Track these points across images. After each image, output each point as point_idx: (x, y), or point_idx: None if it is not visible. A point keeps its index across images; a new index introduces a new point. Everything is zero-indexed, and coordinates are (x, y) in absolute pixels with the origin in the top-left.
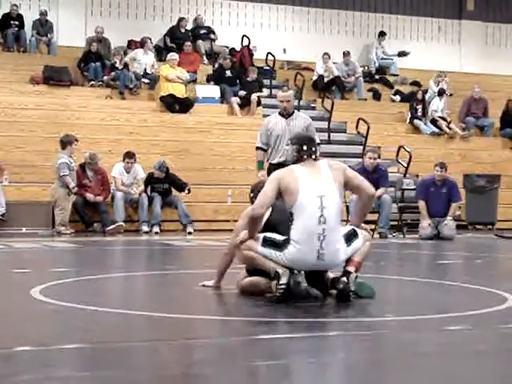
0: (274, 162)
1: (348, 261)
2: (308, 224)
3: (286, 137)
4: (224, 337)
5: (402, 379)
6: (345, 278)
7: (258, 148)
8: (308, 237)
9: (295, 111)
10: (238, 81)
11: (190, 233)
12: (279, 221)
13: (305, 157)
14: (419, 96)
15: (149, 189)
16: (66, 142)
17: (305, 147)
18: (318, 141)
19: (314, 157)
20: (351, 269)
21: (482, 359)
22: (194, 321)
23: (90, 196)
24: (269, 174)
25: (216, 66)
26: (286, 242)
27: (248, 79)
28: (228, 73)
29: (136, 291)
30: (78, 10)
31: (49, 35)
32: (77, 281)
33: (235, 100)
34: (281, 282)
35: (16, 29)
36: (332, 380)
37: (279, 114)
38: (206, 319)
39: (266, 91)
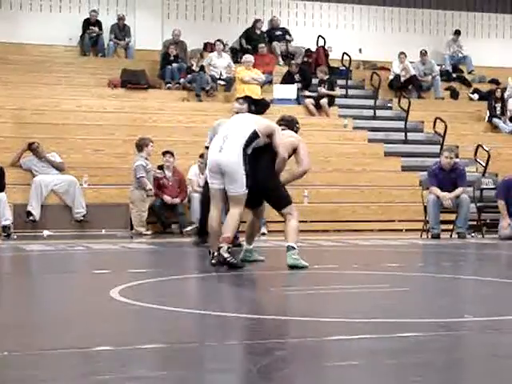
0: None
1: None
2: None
3: None
4: (299, 337)
5: (481, 382)
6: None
7: None
8: (216, 139)
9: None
10: (308, 82)
11: (263, 234)
12: None
13: None
14: (498, 94)
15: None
16: (141, 145)
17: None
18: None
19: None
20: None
21: None
22: (269, 321)
23: (167, 198)
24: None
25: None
26: None
27: (323, 79)
28: (296, 77)
29: (212, 292)
30: (154, 13)
31: (126, 39)
32: (155, 282)
33: (309, 101)
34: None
35: (94, 34)
36: (410, 381)
37: None
38: (281, 319)
39: (338, 91)
